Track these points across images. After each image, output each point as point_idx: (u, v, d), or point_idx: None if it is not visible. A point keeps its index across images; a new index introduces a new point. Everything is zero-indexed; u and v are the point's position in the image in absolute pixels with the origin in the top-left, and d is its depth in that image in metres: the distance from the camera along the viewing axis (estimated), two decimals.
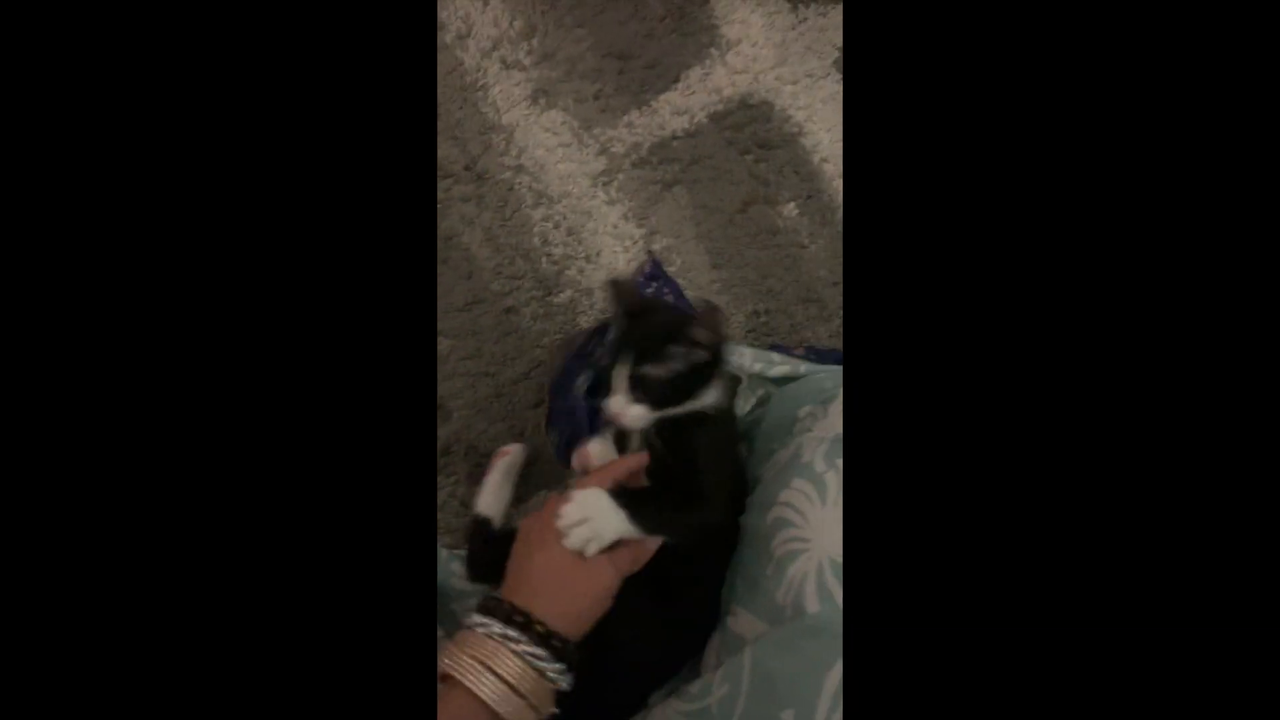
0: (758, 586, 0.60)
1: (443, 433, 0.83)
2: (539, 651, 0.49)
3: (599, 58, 0.92)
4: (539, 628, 0.50)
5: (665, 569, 0.63)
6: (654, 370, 0.60)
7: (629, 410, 0.60)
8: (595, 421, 0.73)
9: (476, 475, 0.81)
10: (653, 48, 0.92)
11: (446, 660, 0.49)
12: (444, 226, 0.87)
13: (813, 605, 0.53)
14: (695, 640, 0.64)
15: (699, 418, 0.63)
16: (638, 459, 0.62)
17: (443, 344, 0.85)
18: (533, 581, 0.53)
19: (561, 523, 0.55)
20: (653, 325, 0.62)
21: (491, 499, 0.76)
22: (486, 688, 0.47)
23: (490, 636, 0.49)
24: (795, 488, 0.62)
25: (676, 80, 0.92)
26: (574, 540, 0.54)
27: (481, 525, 0.74)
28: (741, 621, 0.60)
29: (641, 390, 0.60)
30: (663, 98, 0.91)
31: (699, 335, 0.60)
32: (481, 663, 0.48)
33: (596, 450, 0.67)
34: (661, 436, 0.62)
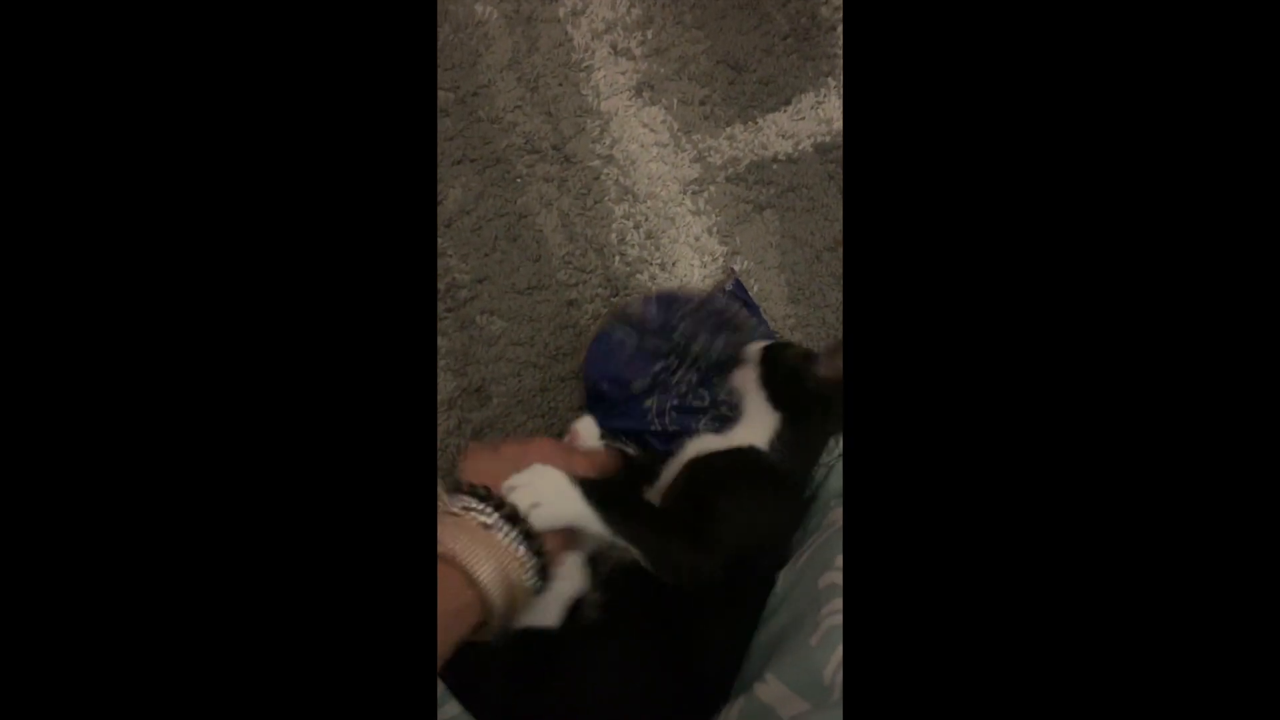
0: (799, 656, 0.54)
1: (478, 417, 0.78)
2: (523, 546, 0.47)
3: (712, 63, 0.88)
4: (526, 524, 0.48)
5: (673, 627, 0.58)
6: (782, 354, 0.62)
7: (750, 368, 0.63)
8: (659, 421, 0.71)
9: None
10: (769, 64, 0.88)
11: (443, 539, 0.46)
12: (520, 203, 0.83)
13: None
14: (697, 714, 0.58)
15: (741, 455, 0.61)
16: (599, 455, 0.60)
17: (495, 324, 0.80)
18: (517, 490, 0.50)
19: (510, 495, 0.50)
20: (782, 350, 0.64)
21: None
22: (487, 576, 0.44)
23: (485, 525, 0.47)
24: None
25: (788, 102, 0.88)
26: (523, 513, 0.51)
27: None
28: (773, 692, 0.54)
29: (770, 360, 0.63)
30: (770, 117, 0.87)
31: (824, 370, 0.60)
32: (481, 545, 0.45)
33: (585, 430, 0.66)
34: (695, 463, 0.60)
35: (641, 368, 0.72)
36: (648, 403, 0.72)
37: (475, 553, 0.45)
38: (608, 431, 0.71)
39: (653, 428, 0.72)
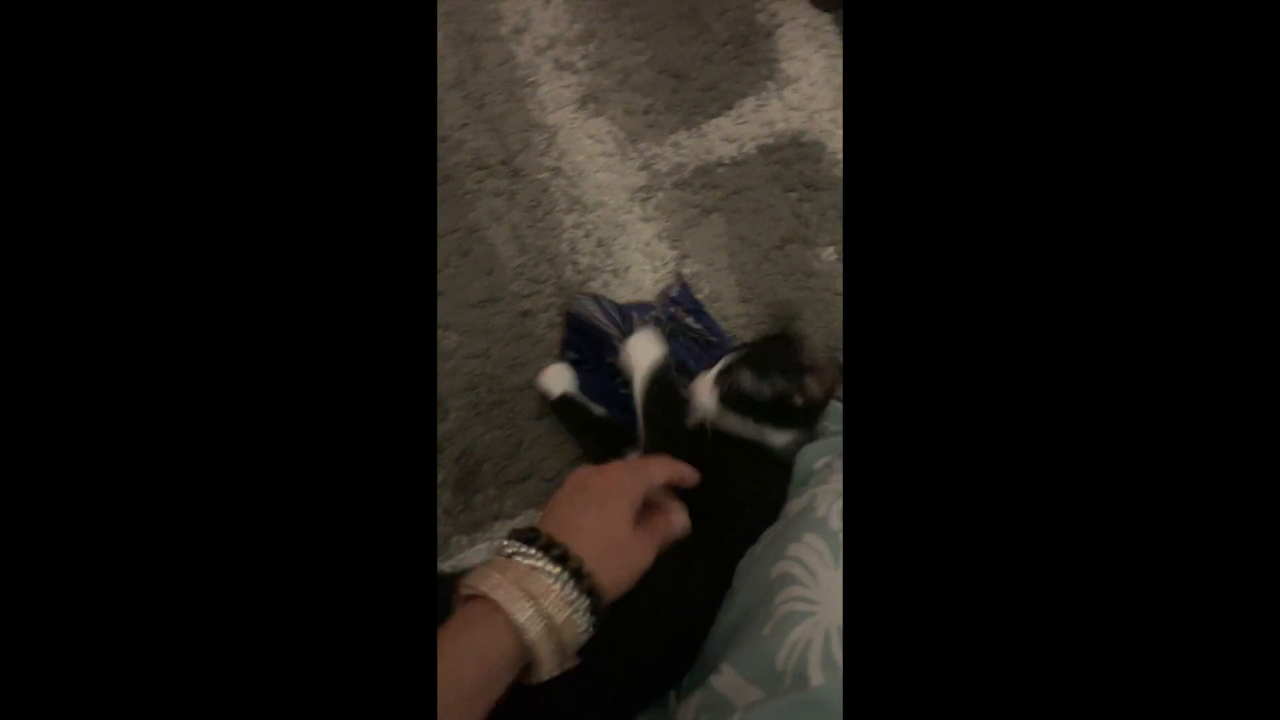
0: (753, 646, 0.55)
1: (436, 431, 0.78)
2: (576, 593, 0.45)
3: (654, 73, 0.90)
4: (578, 566, 0.46)
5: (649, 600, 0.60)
6: (748, 380, 0.64)
7: (704, 393, 0.65)
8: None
9: (465, 483, 0.77)
10: (710, 71, 0.90)
11: (482, 583, 0.44)
12: (470, 218, 0.84)
13: (816, 677, 0.48)
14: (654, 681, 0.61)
15: (761, 451, 0.65)
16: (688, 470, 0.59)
17: (449, 338, 0.81)
18: (584, 532, 0.48)
19: None
20: (773, 348, 0.66)
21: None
22: (527, 618, 0.43)
23: (534, 567, 0.45)
24: (806, 543, 0.57)
25: (730, 107, 0.90)
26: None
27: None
28: (728, 682, 0.55)
29: (726, 387, 0.64)
30: (713, 122, 0.89)
31: (810, 386, 0.63)
32: (524, 591, 0.43)
33: (554, 373, 0.77)
34: (716, 443, 0.65)
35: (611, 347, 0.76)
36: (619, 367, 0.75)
37: (515, 596, 0.43)
38: (582, 386, 0.77)
39: (621, 391, 0.75)
